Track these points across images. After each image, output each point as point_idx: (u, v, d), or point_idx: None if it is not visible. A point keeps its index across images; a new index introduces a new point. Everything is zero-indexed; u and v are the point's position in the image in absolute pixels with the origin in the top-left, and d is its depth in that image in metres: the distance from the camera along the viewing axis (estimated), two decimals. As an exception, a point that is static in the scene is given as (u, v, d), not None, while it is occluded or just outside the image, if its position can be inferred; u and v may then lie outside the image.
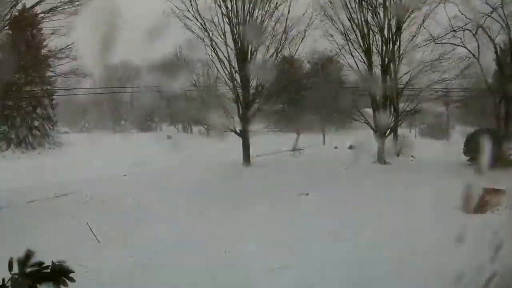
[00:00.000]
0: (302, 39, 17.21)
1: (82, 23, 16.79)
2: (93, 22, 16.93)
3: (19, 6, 14.41)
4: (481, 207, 9.20)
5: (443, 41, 17.67)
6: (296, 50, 17.85)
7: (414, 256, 6.24)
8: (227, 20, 16.63)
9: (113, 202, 10.59)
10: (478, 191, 9.41)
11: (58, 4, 14.85)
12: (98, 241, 7.10)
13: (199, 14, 16.56)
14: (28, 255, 3.34)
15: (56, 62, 19.41)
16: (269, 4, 16.83)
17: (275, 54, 17.34)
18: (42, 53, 20.79)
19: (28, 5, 14.78)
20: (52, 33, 16.88)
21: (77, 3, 15.32)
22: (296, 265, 6.11)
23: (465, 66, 18.42)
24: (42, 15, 15.68)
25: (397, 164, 18.41)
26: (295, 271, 5.93)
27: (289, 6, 16.73)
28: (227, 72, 17.16)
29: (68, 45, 17.47)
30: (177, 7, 16.19)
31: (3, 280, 3.30)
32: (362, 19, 17.90)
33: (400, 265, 5.89)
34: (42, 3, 14.48)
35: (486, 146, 14.91)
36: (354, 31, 18.10)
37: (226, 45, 16.80)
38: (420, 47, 17.79)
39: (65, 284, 3.39)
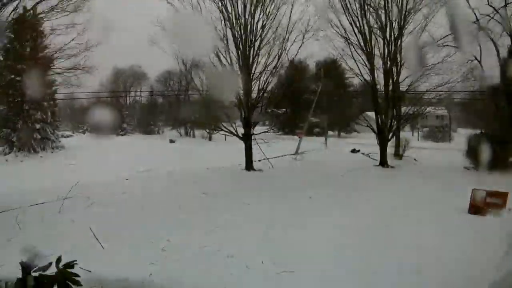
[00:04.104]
0: (301, 44, 17.13)
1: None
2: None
3: (21, 9, 14.46)
4: (484, 209, 9.19)
5: (445, 44, 17.69)
6: (296, 54, 17.75)
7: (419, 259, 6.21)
8: (229, 24, 16.69)
9: (115, 205, 10.58)
10: (481, 194, 9.41)
11: (57, 3, 14.91)
12: (102, 246, 7.08)
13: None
14: (31, 258, 3.34)
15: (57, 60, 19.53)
16: (270, 7, 16.88)
17: (277, 57, 17.33)
18: (44, 55, 20.94)
19: (28, 7, 14.84)
20: (51, 33, 16.95)
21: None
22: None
23: (468, 69, 18.43)
24: (43, 15, 15.74)
25: (400, 167, 18.38)
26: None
27: (291, 10, 16.80)
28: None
29: (67, 43, 17.60)
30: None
31: (6, 283, 3.30)
32: (364, 22, 17.94)
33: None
34: (41, 2, 14.55)
35: (488, 149, 14.95)
36: (356, 34, 18.14)
37: (228, 49, 16.85)
38: (423, 47, 17.76)
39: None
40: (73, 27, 16.95)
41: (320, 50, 19.43)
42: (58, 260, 3.40)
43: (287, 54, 17.40)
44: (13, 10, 13.14)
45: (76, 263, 3.48)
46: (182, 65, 20.15)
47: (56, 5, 14.97)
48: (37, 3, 14.36)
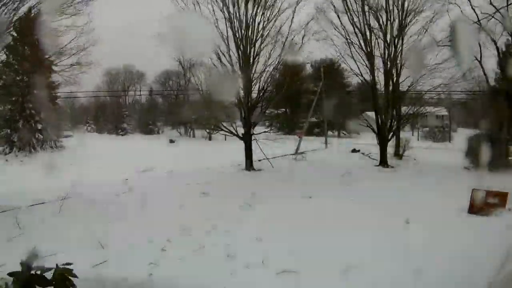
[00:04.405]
0: (301, 45, 17.15)
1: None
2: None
3: (24, 9, 14.47)
4: (484, 209, 9.19)
5: (445, 44, 17.68)
6: (297, 52, 17.70)
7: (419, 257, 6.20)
8: (230, 25, 16.68)
9: (115, 205, 10.58)
10: (481, 194, 9.40)
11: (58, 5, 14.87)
12: (102, 246, 7.08)
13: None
14: (31, 258, 3.34)
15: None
16: (271, 9, 16.87)
17: (277, 58, 17.31)
18: (46, 57, 20.92)
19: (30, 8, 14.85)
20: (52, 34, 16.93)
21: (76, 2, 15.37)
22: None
23: (468, 69, 18.42)
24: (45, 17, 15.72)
25: (400, 167, 18.38)
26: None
27: (294, 11, 16.80)
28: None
29: (67, 44, 17.63)
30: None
31: (6, 283, 3.30)
32: (364, 23, 17.95)
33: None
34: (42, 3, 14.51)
35: (488, 149, 14.96)
36: (356, 35, 18.16)
37: (229, 49, 16.84)
38: (423, 48, 17.77)
39: (68, 288, 3.38)
40: (74, 29, 16.96)
41: (320, 50, 19.48)
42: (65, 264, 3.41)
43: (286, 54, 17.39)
44: (14, 10, 13.12)
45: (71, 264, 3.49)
46: (182, 65, 20.15)
47: (57, 9, 14.94)
48: (38, 3, 14.34)
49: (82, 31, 17.89)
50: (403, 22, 17.89)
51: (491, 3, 17.11)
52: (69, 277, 3.38)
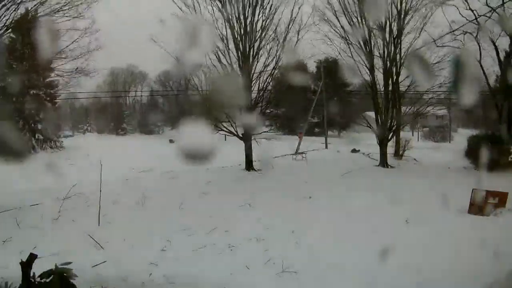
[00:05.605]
0: (297, 42, 17.16)
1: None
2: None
3: (22, 9, 14.44)
4: (484, 209, 9.19)
5: (444, 44, 17.67)
6: (295, 50, 17.67)
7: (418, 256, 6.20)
8: (228, 24, 16.65)
9: (115, 206, 10.57)
10: (481, 194, 9.40)
11: (59, 7, 14.84)
12: (101, 246, 7.08)
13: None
14: (31, 258, 3.35)
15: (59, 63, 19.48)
16: (269, 8, 16.86)
17: (275, 57, 17.29)
18: (47, 58, 20.90)
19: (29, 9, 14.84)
20: (54, 36, 16.85)
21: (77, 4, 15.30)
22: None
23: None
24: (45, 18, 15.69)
25: (400, 167, 18.36)
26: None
27: (297, 12, 16.82)
28: (229, 76, 17.11)
29: (67, 45, 17.55)
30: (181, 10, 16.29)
31: (6, 283, 3.31)
32: (363, 22, 17.93)
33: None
34: (42, 5, 14.49)
35: (488, 149, 14.96)
36: (355, 35, 18.11)
37: (228, 49, 16.81)
38: (421, 48, 17.75)
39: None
40: (76, 31, 16.93)
41: (320, 50, 19.43)
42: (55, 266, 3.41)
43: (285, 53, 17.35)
44: (14, 11, 13.12)
45: (70, 262, 3.50)
46: (182, 65, 20.08)
47: (58, 10, 14.91)
48: (38, 3, 14.32)
49: (85, 33, 17.83)
50: (402, 21, 17.86)
51: (487, 4, 17.10)
52: (69, 276, 3.40)
